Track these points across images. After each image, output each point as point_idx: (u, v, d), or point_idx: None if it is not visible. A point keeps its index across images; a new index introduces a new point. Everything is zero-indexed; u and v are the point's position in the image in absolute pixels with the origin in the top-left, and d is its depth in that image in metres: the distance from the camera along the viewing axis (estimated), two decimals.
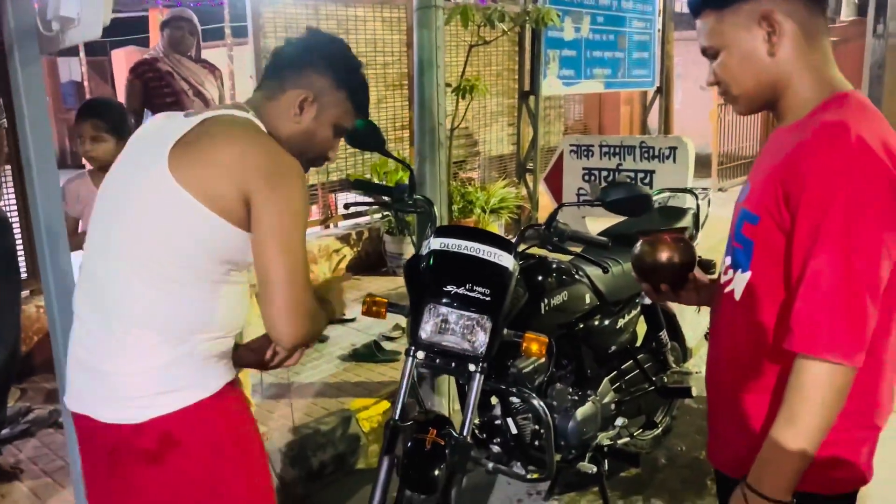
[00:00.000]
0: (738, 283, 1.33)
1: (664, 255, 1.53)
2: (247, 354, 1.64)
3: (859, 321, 1.14)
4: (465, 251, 2.06)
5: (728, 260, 1.38)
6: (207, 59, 4.37)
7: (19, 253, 3.25)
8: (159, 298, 1.32)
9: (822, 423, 1.16)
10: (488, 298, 2.00)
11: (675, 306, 3.11)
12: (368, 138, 2.03)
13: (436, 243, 2.10)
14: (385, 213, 5.27)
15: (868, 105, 1.24)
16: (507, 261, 2.06)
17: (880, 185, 1.13)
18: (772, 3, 1.23)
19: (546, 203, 6.45)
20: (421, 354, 2.06)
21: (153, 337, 1.33)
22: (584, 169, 5.92)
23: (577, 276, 2.52)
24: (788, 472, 1.18)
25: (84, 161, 2.82)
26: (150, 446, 1.33)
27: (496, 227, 5.84)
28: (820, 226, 1.14)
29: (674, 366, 3.00)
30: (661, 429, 3.03)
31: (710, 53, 1.34)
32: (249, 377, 2.94)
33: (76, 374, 1.42)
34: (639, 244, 1.58)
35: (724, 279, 1.40)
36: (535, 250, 2.28)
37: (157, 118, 1.53)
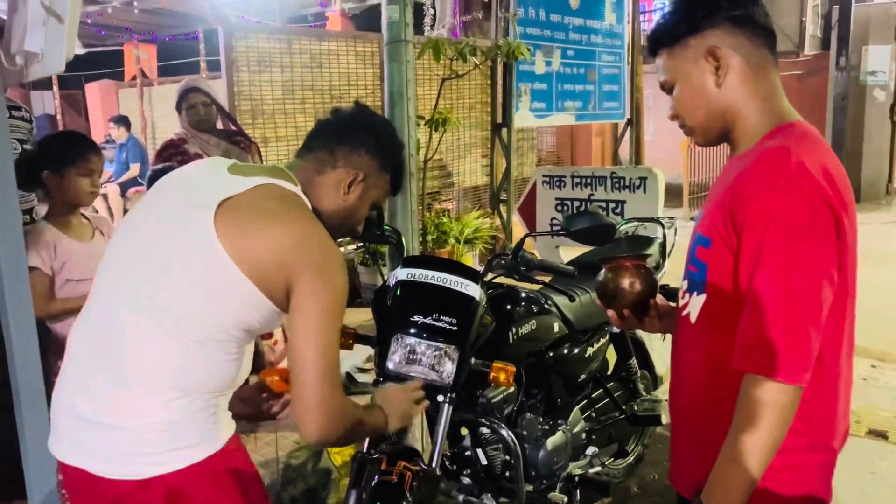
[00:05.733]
0: (694, 305, 1.36)
1: (626, 282, 1.56)
2: (236, 404, 1.59)
3: (800, 341, 1.16)
4: (432, 281, 2.06)
5: (685, 284, 1.41)
6: (242, 133, 3.77)
7: None
8: (180, 356, 1.29)
9: (769, 441, 1.17)
10: (455, 328, 2.01)
11: (644, 333, 3.13)
12: None
13: (402, 273, 2.11)
14: (359, 245, 5.27)
15: (812, 133, 1.29)
16: (473, 290, 2.07)
17: (819, 207, 1.16)
18: (717, 39, 1.29)
19: (520, 233, 6.50)
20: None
21: (169, 393, 1.29)
22: (556, 199, 6.00)
23: (545, 305, 2.54)
24: (736, 490, 1.20)
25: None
26: (158, 501, 1.29)
27: (470, 257, 5.86)
28: (761, 247, 1.18)
29: (644, 393, 3.01)
30: (632, 457, 3.03)
31: (666, 88, 1.40)
32: None
33: (73, 427, 1.35)
34: (602, 271, 1.60)
35: (681, 303, 1.42)
36: (503, 279, 2.30)
37: (199, 164, 1.50)
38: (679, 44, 1.32)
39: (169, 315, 1.29)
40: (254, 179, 1.37)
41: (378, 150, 1.51)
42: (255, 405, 1.62)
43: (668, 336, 1.57)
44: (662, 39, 1.36)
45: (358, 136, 1.50)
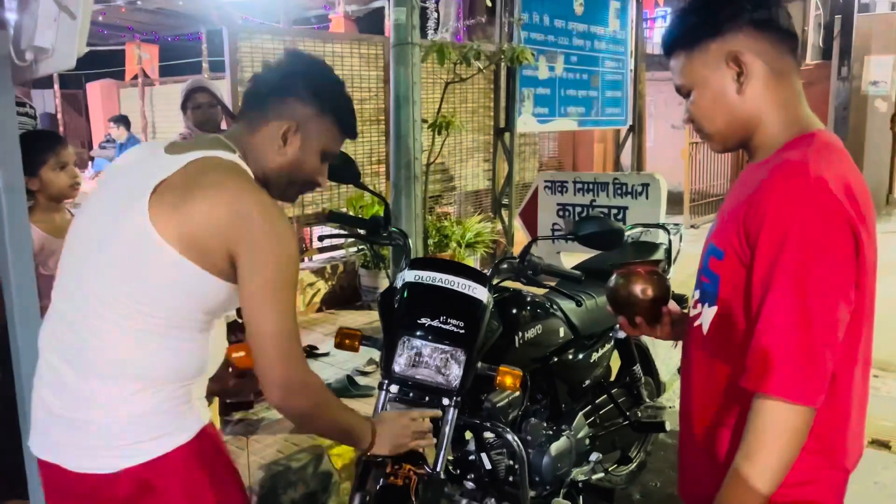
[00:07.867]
0: (706, 317, 1.32)
1: (638, 288, 1.53)
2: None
3: (815, 361, 1.12)
4: (440, 283, 2.05)
5: (697, 294, 1.38)
6: None
7: None
8: (137, 348, 1.27)
9: (780, 462, 1.14)
10: (462, 331, 1.99)
11: (648, 340, 3.12)
12: (343, 171, 2.04)
13: (410, 276, 2.09)
14: (360, 247, 5.26)
15: (834, 144, 1.24)
16: (481, 293, 2.06)
17: (838, 226, 1.13)
18: (739, 44, 1.24)
19: (521, 238, 6.48)
20: (394, 388, 2.04)
21: (130, 386, 1.28)
22: (558, 204, 5.99)
23: (551, 310, 2.53)
24: None
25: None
26: (127, 494, 1.28)
27: (471, 261, 5.84)
28: (776, 264, 1.14)
29: (647, 400, 2.99)
30: (635, 464, 3.02)
31: (683, 92, 1.34)
32: (217, 409, 2.88)
33: (45, 422, 1.35)
34: (613, 276, 1.58)
35: (692, 313, 1.39)
36: (509, 283, 2.28)
37: (137, 149, 1.47)
38: (698, 47, 1.27)
39: (116, 306, 1.26)
40: (188, 155, 1.32)
41: (309, 93, 1.39)
42: (221, 381, 1.58)
43: (678, 342, 1.55)
44: (679, 41, 1.31)
45: (284, 84, 1.40)
